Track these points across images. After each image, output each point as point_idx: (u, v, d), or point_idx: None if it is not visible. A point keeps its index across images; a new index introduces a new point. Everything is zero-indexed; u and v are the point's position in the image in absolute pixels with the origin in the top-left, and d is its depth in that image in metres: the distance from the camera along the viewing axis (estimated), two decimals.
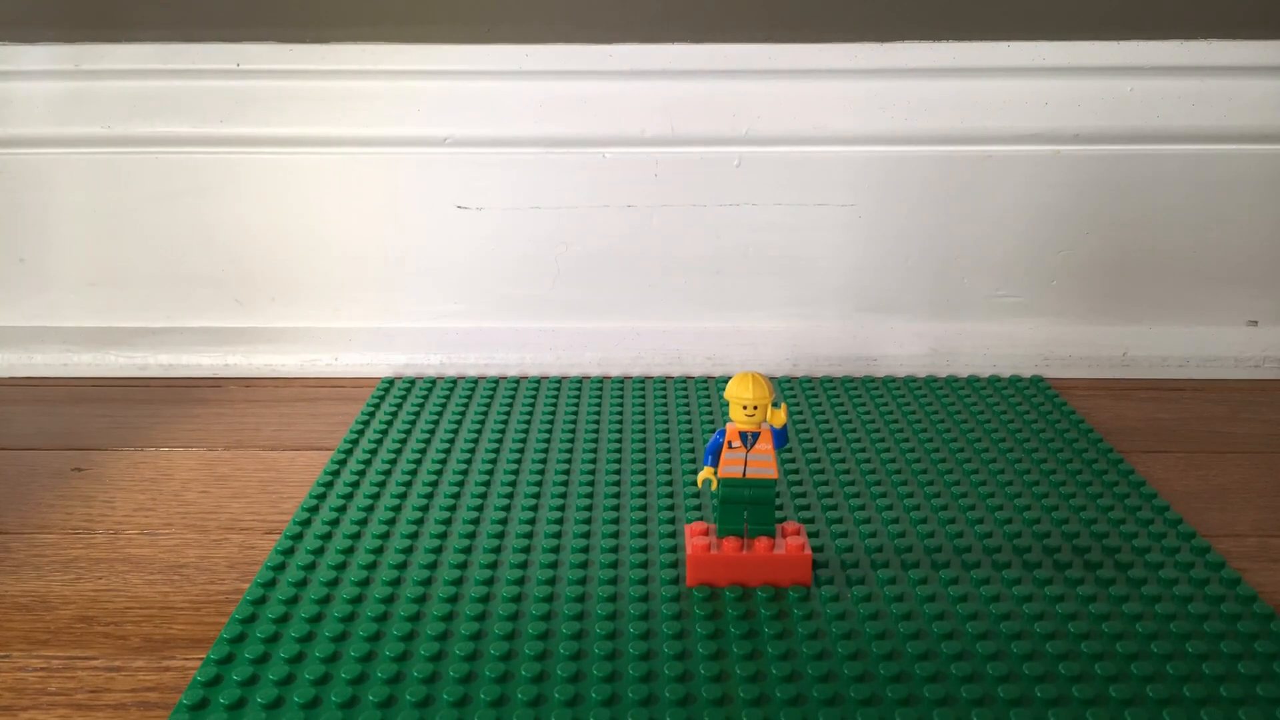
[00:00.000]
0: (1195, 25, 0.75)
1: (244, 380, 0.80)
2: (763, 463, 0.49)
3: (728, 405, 0.49)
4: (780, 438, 0.49)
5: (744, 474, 0.49)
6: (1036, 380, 0.77)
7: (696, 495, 0.60)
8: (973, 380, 0.77)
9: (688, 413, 0.71)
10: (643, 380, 0.76)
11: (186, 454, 0.67)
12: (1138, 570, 0.51)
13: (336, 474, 0.62)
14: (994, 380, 0.77)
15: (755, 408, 0.48)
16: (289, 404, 0.75)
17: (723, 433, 0.49)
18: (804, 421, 0.70)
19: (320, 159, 0.78)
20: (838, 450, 0.65)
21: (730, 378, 0.50)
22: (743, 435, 0.48)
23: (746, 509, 0.50)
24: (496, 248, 0.80)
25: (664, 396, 0.74)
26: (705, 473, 0.49)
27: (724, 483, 0.49)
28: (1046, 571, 0.52)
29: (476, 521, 0.56)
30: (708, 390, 0.75)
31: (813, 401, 0.73)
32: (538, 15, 0.76)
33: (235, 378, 0.80)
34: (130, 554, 0.55)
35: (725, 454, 0.49)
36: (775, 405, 0.49)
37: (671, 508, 0.58)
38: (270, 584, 0.50)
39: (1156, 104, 0.76)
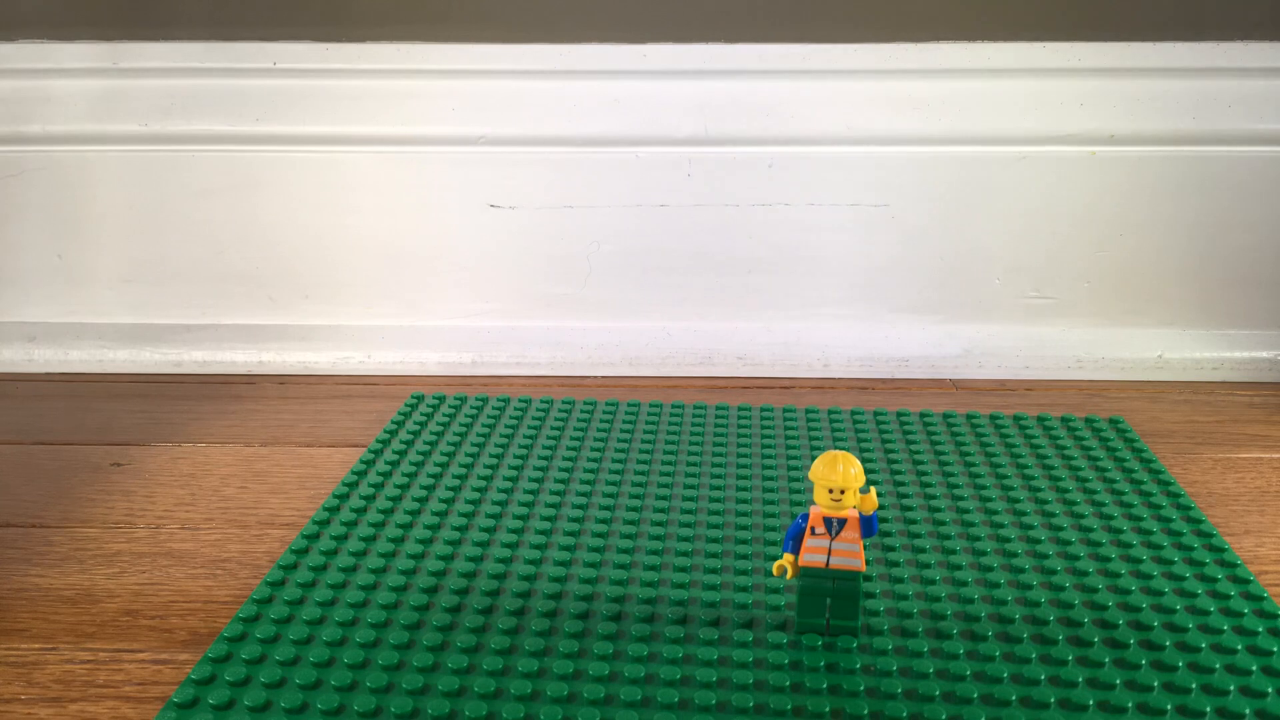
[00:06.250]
0: (1233, 27, 0.75)
1: (278, 377, 0.80)
2: (849, 553, 0.44)
3: (811, 486, 0.43)
4: (869, 526, 0.44)
5: (827, 564, 0.44)
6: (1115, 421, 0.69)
7: (746, 542, 0.54)
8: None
9: (770, 442, 0.66)
10: (703, 408, 0.71)
11: (224, 450, 0.67)
12: None
13: (362, 476, 0.61)
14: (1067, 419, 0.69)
15: (843, 492, 0.43)
16: (323, 401, 0.76)
17: (805, 516, 0.44)
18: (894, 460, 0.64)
19: (354, 157, 0.78)
20: (903, 489, 0.60)
21: (816, 458, 0.44)
22: (827, 521, 0.44)
23: (829, 601, 0.45)
24: (529, 247, 0.80)
25: (719, 421, 0.68)
26: (784, 560, 0.44)
27: (805, 572, 0.45)
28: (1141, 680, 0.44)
29: (486, 544, 0.53)
30: (771, 420, 0.69)
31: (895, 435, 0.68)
32: (572, 15, 0.76)
33: (269, 374, 0.80)
34: (173, 548, 0.55)
35: (807, 540, 0.44)
36: (864, 490, 0.44)
37: (720, 555, 0.53)
38: (280, 583, 0.50)
39: (1193, 105, 0.76)
